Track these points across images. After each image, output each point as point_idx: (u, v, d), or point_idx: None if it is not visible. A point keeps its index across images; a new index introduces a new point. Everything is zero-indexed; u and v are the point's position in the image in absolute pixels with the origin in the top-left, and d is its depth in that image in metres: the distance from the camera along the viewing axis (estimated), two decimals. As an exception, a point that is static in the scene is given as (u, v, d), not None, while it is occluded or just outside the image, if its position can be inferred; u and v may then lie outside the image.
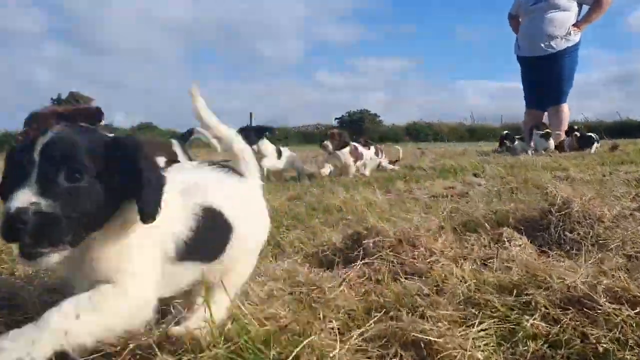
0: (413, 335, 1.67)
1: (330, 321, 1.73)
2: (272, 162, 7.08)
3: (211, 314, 1.59)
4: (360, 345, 1.67)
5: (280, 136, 29.68)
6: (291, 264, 2.75)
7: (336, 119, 32.64)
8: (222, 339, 1.51)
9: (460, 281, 2.22)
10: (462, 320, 1.84)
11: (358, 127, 30.98)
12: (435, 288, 2.17)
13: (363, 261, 2.61)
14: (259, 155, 6.76)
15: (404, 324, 1.73)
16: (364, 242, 2.80)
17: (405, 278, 2.36)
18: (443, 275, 2.30)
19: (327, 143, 7.48)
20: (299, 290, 2.24)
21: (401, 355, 1.61)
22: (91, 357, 1.44)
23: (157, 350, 1.50)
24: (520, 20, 12.13)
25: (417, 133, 30.47)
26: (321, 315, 1.78)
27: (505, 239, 2.89)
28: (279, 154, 7.36)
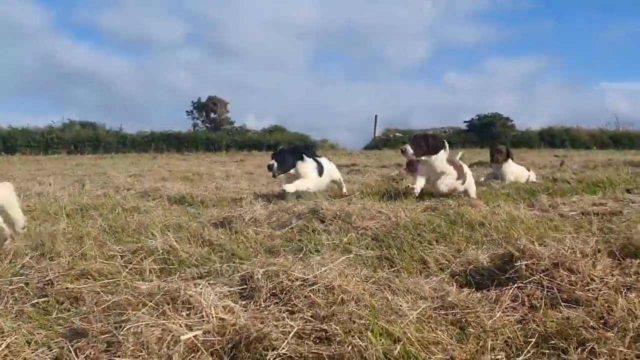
0: (583, 373, 1.62)
1: (499, 356, 1.72)
2: (306, 184, 5.81)
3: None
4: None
5: (406, 139, 29.51)
6: (439, 282, 2.75)
7: (465, 122, 31.62)
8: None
9: (629, 314, 2.09)
10: None
11: (488, 131, 29.86)
12: (600, 320, 2.07)
13: (516, 284, 2.54)
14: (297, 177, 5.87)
15: (573, 358, 1.67)
16: (516, 264, 2.73)
17: (565, 306, 2.27)
18: (607, 306, 2.19)
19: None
20: (452, 312, 2.25)
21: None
22: None
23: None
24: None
25: (552, 139, 28.73)
26: (488, 346, 1.77)
27: (675, 269, 2.66)
28: (320, 170, 6.13)
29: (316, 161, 6.12)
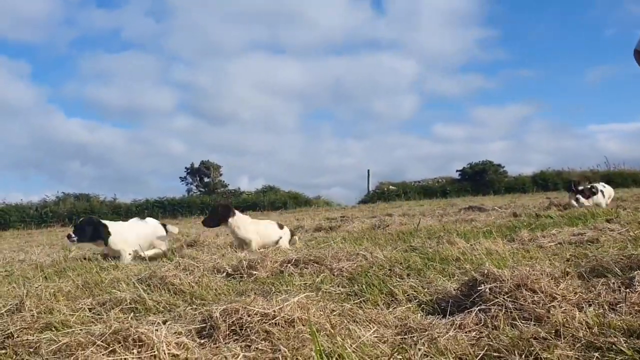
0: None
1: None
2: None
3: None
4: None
5: (399, 191, 29.56)
6: (404, 311, 2.73)
7: (457, 171, 31.84)
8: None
9: (583, 326, 2.07)
10: (583, 363, 1.72)
11: (481, 178, 30.05)
12: (554, 332, 2.05)
13: (478, 307, 2.52)
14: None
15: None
16: (479, 288, 2.71)
17: (523, 323, 2.25)
18: (564, 320, 2.17)
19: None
20: (411, 336, 2.22)
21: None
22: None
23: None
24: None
25: (545, 182, 28.88)
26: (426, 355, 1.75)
27: (638, 283, 2.65)
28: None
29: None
